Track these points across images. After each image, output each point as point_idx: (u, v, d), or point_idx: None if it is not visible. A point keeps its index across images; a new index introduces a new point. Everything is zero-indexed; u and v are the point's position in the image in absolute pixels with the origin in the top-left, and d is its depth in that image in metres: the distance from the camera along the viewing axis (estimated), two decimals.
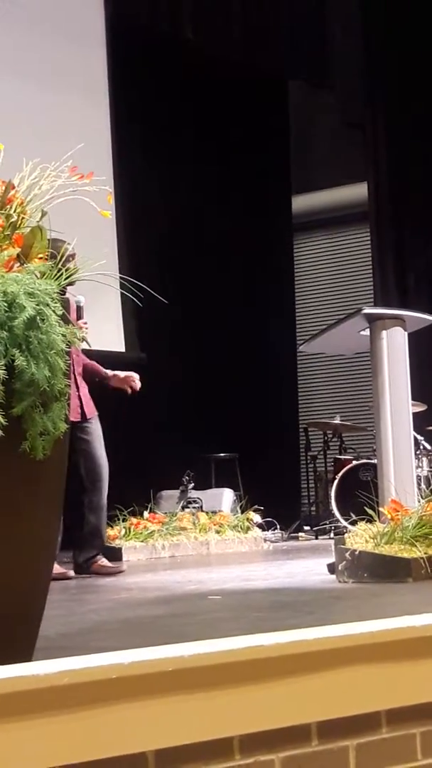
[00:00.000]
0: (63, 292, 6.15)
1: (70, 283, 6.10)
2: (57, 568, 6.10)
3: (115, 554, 7.07)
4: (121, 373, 6.63)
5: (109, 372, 6.59)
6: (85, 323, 6.11)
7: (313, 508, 10.93)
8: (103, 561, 6.28)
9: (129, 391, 6.62)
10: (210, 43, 10.99)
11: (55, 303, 2.66)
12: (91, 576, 6.17)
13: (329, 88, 12.41)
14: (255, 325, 11.71)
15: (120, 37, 10.30)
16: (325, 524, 9.66)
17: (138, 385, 6.61)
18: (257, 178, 12.16)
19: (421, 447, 8.68)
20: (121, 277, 6.31)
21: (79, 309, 6.16)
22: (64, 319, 2.69)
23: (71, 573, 6.23)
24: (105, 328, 8.84)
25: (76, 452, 6.19)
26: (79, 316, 6.15)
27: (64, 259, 3.58)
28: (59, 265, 2.86)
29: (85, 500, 6.25)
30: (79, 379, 6.31)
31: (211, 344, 11.12)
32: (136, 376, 6.63)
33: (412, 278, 11.83)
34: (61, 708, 2.21)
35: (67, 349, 2.71)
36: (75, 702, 2.23)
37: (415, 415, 6.52)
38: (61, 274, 2.80)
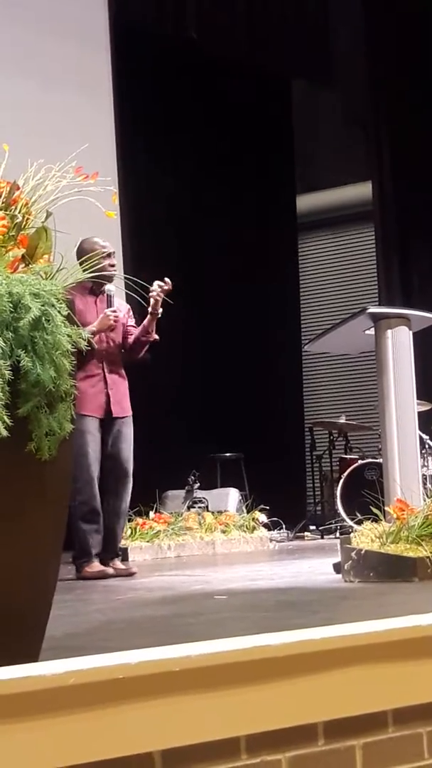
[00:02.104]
0: (101, 285, 6.17)
1: (109, 279, 6.13)
2: (96, 566, 6.11)
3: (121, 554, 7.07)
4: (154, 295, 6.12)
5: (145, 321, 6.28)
6: (114, 311, 6.14)
7: (318, 508, 10.93)
8: (115, 563, 6.28)
9: (159, 296, 6.13)
10: (213, 43, 10.99)
11: (61, 304, 2.66)
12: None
13: (333, 87, 12.41)
14: (260, 324, 11.71)
15: (124, 37, 10.30)
16: (331, 524, 9.66)
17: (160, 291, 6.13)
18: (261, 177, 12.16)
19: (427, 446, 8.67)
20: (125, 277, 6.31)
21: (109, 298, 6.19)
22: (70, 320, 2.69)
23: (110, 571, 6.25)
24: None
25: (103, 454, 6.17)
26: (109, 304, 6.19)
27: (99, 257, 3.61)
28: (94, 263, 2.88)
29: (104, 503, 6.21)
30: (113, 378, 6.22)
31: (216, 344, 11.12)
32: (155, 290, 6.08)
33: (417, 277, 11.83)
34: (68, 708, 2.21)
35: (88, 348, 2.71)
36: (82, 702, 2.23)
37: (421, 414, 6.52)
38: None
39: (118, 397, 6.25)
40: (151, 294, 6.03)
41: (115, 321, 6.13)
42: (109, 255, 6.09)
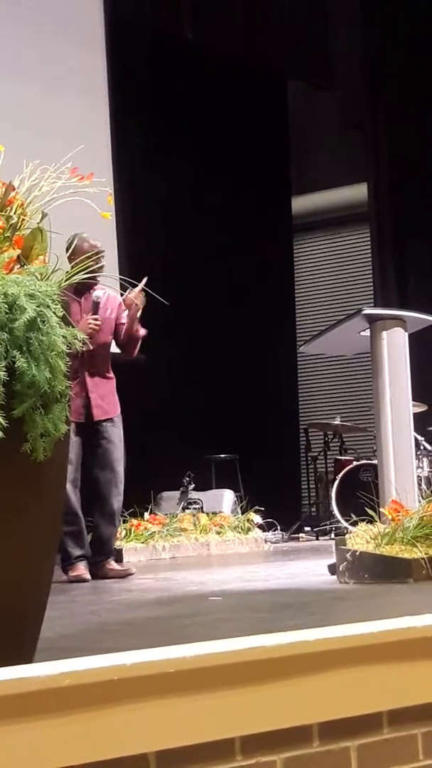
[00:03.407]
0: (85, 289, 6.00)
1: (96, 280, 5.90)
2: (77, 569, 6.09)
3: (115, 555, 7.07)
4: (129, 296, 6.11)
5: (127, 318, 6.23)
6: (96, 319, 6.09)
7: (313, 509, 10.93)
8: (112, 564, 6.27)
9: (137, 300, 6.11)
10: (210, 43, 10.99)
11: (56, 305, 2.66)
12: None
13: (329, 89, 12.42)
14: (255, 326, 11.71)
15: (120, 37, 10.29)
16: (326, 525, 9.66)
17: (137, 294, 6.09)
18: (257, 178, 12.16)
19: (422, 447, 8.68)
20: (120, 278, 6.30)
21: (95, 305, 6.13)
22: (65, 321, 2.69)
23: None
24: None
25: (89, 456, 6.14)
26: (95, 311, 6.14)
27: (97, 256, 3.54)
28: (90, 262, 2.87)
29: (97, 505, 6.20)
30: (92, 381, 6.15)
31: (211, 345, 11.11)
32: (135, 292, 6.04)
33: (412, 278, 11.83)
34: (63, 710, 2.21)
35: (69, 350, 2.70)
36: (76, 703, 2.23)
37: (416, 415, 6.52)
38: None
39: (99, 400, 6.17)
40: (127, 295, 6.05)
41: (96, 328, 6.06)
42: (99, 255, 6.05)
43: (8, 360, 2.55)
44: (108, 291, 6.20)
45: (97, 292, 6.12)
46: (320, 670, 2.57)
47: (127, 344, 6.31)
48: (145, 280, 5.57)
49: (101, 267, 5.91)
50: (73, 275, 2.84)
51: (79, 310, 6.09)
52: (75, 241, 5.73)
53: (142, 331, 6.28)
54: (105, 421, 6.20)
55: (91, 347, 6.09)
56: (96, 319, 6.07)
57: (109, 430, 6.20)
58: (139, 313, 6.18)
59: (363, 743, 2.63)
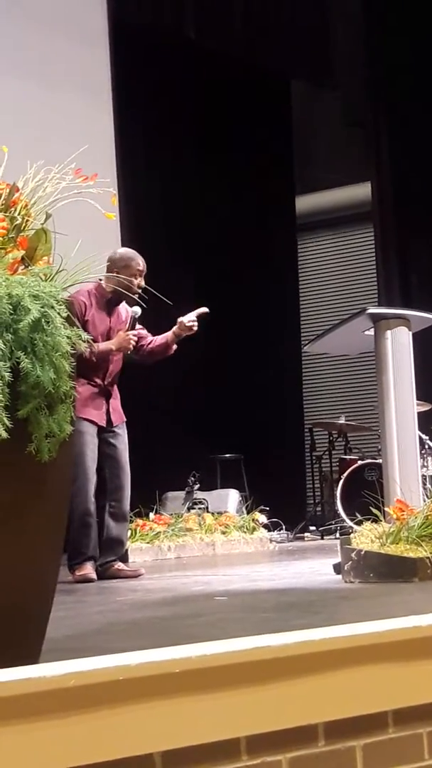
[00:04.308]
0: (118, 301, 6.18)
1: (133, 298, 6.07)
2: (85, 569, 6.09)
3: (121, 556, 7.07)
4: (185, 319, 6.25)
5: (168, 336, 6.33)
6: (136, 334, 6.18)
7: (318, 509, 10.93)
8: (120, 565, 6.27)
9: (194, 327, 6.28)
10: (213, 42, 10.99)
11: (60, 305, 2.66)
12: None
13: (332, 87, 12.41)
14: (259, 325, 11.71)
15: (122, 36, 10.29)
16: (331, 524, 9.66)
17: (194, 322, 6.27)
18: (260, 178, 12.15)
19: (426, 446, 8.67)
20: (125, 279, 6.30)
21: (133, 320, 6.21)
22: (69, 322, 2.69)
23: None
24: None
25: (102, 457, 6.20)
26: (132, 327, 6.19)
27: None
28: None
29: (107, 506, 6.22)
30: (113, 390, 6.27)
31: (216, 345, 11.10)
32: (192, 319, 6.25)
33: (416, 277, 11.83)
34: (68, 710, 2.21)
35: (74, 354, 2.70)
36: (82, 704, 2.23)
37: (420, 414, 6.52)
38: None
39: (116, 406, 6.32)
40: (187, 324, 6.22)
41: (134, 344, 6.16)
42: (142, 274, 6.11)
43: (13, 361, 2.56)
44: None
45: (135, 308, 6.16)
46: (325, 670, 2.57)
47: (150, 356, 6.41)
48: (205, 310, 6.02)
49: (141, 288, 5.98)
50: (79, 274, 2.84)
51: (108, 322, 6.16)
52: (122, 254, 5.87)
53: (175, 346, 6.40)
54: (119, 426, 6.30)
55: (120, 361, 6.21)
56: (136, 335, 6.18)
57: (121, 435, 6.30)
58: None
59: (368, 743, 2.63)
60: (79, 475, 5.98)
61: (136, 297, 5.98)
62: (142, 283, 6.06)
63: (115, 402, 6.31)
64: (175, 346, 6.40)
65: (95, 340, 5.86)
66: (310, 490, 11.72)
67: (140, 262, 6.14)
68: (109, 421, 6.23)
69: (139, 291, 5.96)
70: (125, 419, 6.36)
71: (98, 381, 6.18)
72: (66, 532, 2.98)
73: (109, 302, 6.20)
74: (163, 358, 6.43)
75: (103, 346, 6.07)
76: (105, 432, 6.22)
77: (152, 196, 10.87)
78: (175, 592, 5.33)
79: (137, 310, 6.17)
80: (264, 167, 12.20)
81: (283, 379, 12.24)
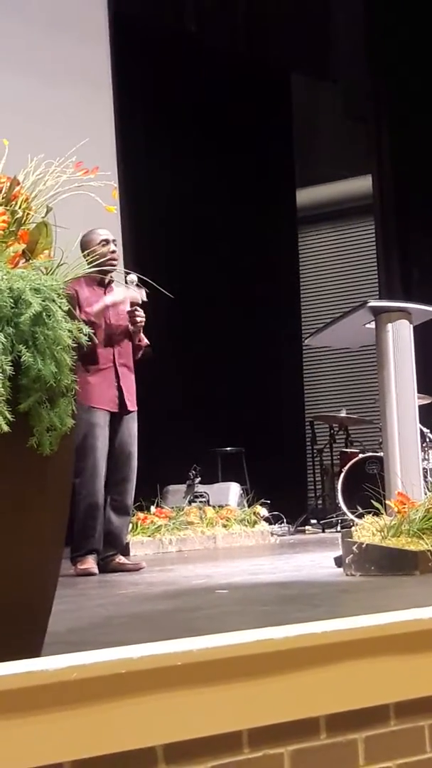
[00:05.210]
0: (107, 274, 6.20)
1: (112, 267, 6.00)
2: (88, 562, 6.07)
3: (122, 549, 7.07)
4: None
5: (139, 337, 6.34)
6: (132, 297, 6.16)
7: (319, 502, 10.93)
8: (121, 558, 6.25)
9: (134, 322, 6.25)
10: (213, 36, 10.99)
11: (61, 299, 2.66)
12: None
13: (332, 81, 12.40)
14: (260, 319, 11.71)
15: (123, 31, 10.29)
16: (332, 517, 9.67)
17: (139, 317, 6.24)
18: (261, 171, 12.14)
19: (427, 439, 8.67)
20: (126, 272, 6.29)
21: (136, 287, 6.18)
22: (70, 315, 2.69)
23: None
24: None
25: (110, 445, 6.13)
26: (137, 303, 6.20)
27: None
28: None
29: (109, 499, 6.16)
30: (123, 370, 6.18)
31: (217, 338, 11.12)
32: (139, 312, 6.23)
33: (417, 270, 11.82)
34: (70, 703, 2.22)
35: (86, 343, 2.71)
36: (84, 697, 2.23)
37: (422, 407, 6.52)
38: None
39: (130, 390, 6.21)
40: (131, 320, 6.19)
41: (143, 321, 6.16)
42: (107, 242, 6.08)
43: (14, 354, 2.56)
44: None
45: (131, 276, 6.15)
46: (327, 663, 2.57)
47: (136, 349, 6.38)
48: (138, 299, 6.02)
49: (114, 252, 6.00)
50: (90, 267, 2.85)
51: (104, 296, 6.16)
52: (83, 238, 5.81)
53: (145, 341, 6.36)
54: (131, 413, 6.23)
55: (121, 333, 6.17)
56: (131, 298, 6.19)
57: (132, 424, 6.23)
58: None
59: (370, 735, 2.63)
60: (87, 467, 5.95)
61: (116, 265, 6.06)
62: (113, 247, 6.10)
63: (129, 384, 6.19)
64: (145, 341, 6.35)
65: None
66: (311, 484, 11.72)
67: (100, 233, 6.08)
68: (122, 404, 6.13)
69: (113, 255, 6.02)
70: (136, 408, 6.26)
71: (106, 363, 6.10)
72: (71, 525, 2.98)
73: (100, 283, 6.13)
74: (138, 350, 6.34)
75: (97, 305, 6.08)
76: (116, 421, 6.13)
77: (153, 189, 10.86)
78: (177, 585, 5.33)
79: (133, 278, 6.14)
80: (265, 160, 12.19)
81: (284, 373, 12.24)
